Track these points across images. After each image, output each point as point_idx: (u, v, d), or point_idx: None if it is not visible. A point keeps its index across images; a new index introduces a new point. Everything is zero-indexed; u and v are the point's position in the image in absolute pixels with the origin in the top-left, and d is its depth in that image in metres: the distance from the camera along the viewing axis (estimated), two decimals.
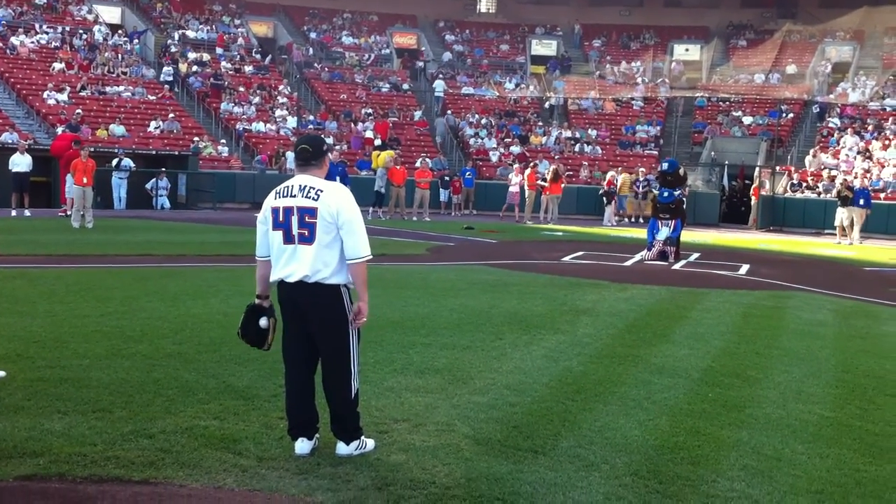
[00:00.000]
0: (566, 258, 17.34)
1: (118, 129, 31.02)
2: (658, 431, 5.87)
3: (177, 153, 29.11)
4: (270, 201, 5.14)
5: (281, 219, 5.05)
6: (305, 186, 5.06)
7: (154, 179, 27.91)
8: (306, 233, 4.99)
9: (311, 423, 5.17)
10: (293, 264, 5.01)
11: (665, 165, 19.19)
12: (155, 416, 5.67)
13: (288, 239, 5.03)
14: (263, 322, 5.24)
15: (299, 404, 5.15)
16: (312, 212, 4.98)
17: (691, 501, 4.66)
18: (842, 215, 25.54)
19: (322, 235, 4.98)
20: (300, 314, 5.08)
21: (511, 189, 30.17)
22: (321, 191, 5.02)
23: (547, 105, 41.88)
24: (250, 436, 5.32)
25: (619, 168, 33.55)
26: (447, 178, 32.44)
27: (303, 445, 5.09)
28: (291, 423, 5.17)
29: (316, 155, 5.15)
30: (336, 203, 5.00)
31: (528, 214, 28.85)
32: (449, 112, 40.35)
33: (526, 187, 29.23)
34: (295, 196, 5.04)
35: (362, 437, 5.20)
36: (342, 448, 5.13)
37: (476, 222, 26.66)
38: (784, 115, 38.58)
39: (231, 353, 7.37)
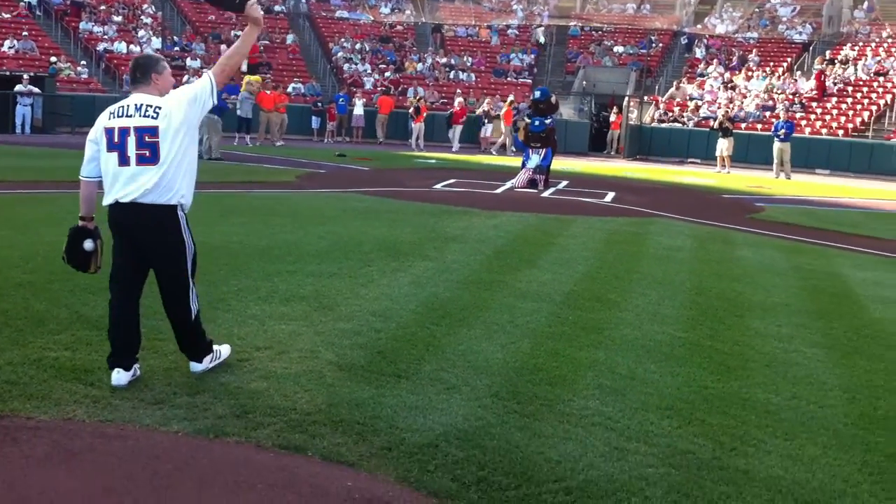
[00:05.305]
0: (438, 185, 17.37)
1: None
2: (519, 354, 5.99)
3: (33, 74, 27.51)
4: (104, 121, 4.88)
5: (116, 140, 4.81)
6: (142, 105, 4.83)
7: (18, 86, 26.39)
8: (147, 153, 4.77)
9: (132, 350, 5.00)
10: (130, 185, 4.79)
11: (537, 94, 19.35)
12: (2, 347, 5.43)
13: (123, 161, 4.80)
14: (89, 244, 5.05)
15: (124, 330, 4.99)
16: (153, 131, 4.77)
17: (547, 420, 4.78)
18: (722, 146, 26.45)
19: (169, 152, 4.79)
20: (132, 237, 4.90)
21: (356, 113, 31.55)
22: (159, 108, 4.82)
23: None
24: (103, 366, 5.12)
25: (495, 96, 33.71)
26: (319, 105, 31.84)
27: (119, 376, 4.91)
28: (112, 351, 5.00)
29: (145, 73, 4.93)
30: (176, 102, 4.86)
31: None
32: None
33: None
34: (132, 116, 4.81)
35: (214, 348, 5.24)
36: (195, 366, 5.16)
37: (349, 149, 26.36)
38: (654, 45, 39.36)
39: (84, 283, 7.06)
